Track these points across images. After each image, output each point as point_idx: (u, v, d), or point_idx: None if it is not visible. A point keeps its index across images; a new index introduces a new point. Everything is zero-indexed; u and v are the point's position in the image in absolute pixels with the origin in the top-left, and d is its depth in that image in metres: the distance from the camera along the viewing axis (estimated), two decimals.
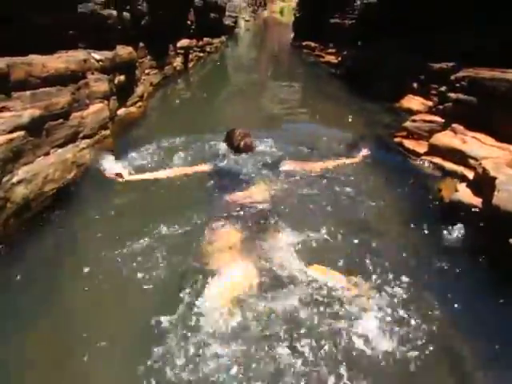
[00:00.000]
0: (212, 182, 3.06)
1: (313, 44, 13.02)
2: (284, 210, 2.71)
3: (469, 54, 4.48)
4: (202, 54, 10.80)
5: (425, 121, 3.90)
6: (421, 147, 3.69)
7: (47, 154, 2.92)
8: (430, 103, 5.10)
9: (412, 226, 2.66)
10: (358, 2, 9.62)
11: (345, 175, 3.24)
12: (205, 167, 3.25)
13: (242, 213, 2.62)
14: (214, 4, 11.92)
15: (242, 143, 3.37)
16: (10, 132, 2.51)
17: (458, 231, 2.49)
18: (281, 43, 18.58)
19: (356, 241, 2.40)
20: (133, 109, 4.92)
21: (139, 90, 5.33)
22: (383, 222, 2.77)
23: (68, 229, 2.70)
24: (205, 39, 11.21)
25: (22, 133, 2.59)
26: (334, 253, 2.29)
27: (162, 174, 3.28)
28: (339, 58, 9.37)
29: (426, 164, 3.46)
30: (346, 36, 9.85)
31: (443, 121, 3.76)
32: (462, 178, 3.01)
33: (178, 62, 8.26)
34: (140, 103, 5.24)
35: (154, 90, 6.49)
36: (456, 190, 2.79)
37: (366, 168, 3.64)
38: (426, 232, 2.55)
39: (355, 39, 9.01)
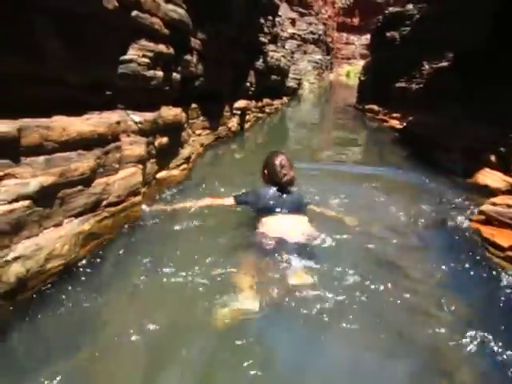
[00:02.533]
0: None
1: (376, 108, 12.63)
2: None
3: None
4: (260, 115, 10.70)
5: (509, 205, 3.19)
6: (504, 239, 2.97)
7: (59, 225, 2.58)
8: None
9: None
10: (427, 67, 9.14)
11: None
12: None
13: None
14: (276, 67, 11.99)
15: (286, 178, 3.26)
16: (11, 202, 2.19)
17: None
18: (345, 106, 18.37)
19: None
20: (175, 171, 4.62)
21: (186, 151, 5.07)
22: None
23: (71, 310, 2.30)
24: (264, 100, 11.17)
25: (25, 203, 2.26)
26: None
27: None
28: (404, 124, 8.82)
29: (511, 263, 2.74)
30: (412, 101, 9.36)
31: None
32: None
33: (233, 122, 8.11)
34: (185, 165, 4.96)
35: (204, 151, 6.26)
36: None
37: (433, 258, 3.04)
38: None
39: (422, 104, 8.49)
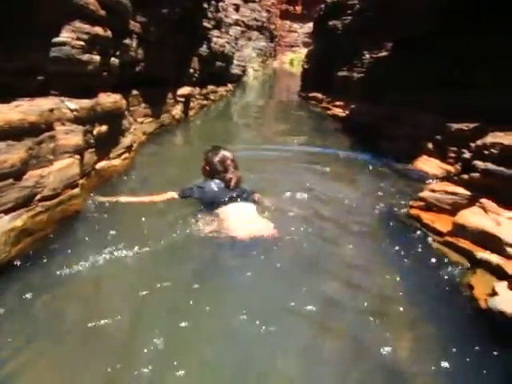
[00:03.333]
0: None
1: (320, 96, 12.80)
2: None
3: (493, 115, 4.02)
4: (205, 102, 10.52)
5: (447, 192, 3.32)
6: (443, 224, 3.10)
7: None
8: (448, 167, 4.57)
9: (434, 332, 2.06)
10: (367, 56, 9.35)
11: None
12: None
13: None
14: (220, 53, 11.79)
15: (233, 182, 3.23)
16: None
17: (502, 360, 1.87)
18: (288, 93, 18.49)
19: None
20: (116, 161, 4.41)
21: (127, 140, 4.85)
22: (395, 326, 2.16)
23: (4, 315, 2.10)
24: (209, 87, 10.99)
25: None
26: None
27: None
28: (347, 112, 9.00)
29: (450, 248, 2.85)
30: (354, 89, 9.55)
31: (469, 193, 3.19)
32: (499, 273, 2.41)
33: (177, 110, 7.89)
34: (126, 155, 4.75)
35: (147, 139, 6.04)
36: (494, 292, 2.18)
37: (373, 244, 3.11)
38: (456, 351, 1.92)
39: (364, 93, 8.68)
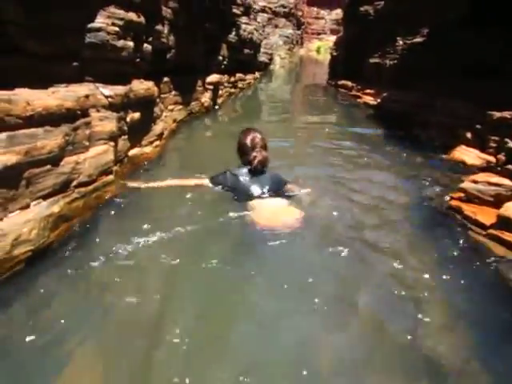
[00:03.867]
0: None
1: (350, 84, 12.54)
2: None
3: None
4: (233, 90, 10.45)
5: (489, 183, 3.17)
6: (486, 217, 2.96)
7: (25, 207, 2.40)
8: (489, 157, 4.39)
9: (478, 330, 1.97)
10: (401, 42, 9.07)
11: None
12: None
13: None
14: (248, 40, 11.67)
15: (257, 160, 3.20)
16: None
17: None
18: (316, 81, 18.21)
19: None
20: (148, 149, 4.42)
21: (158, 127, 4.85)
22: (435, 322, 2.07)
23: (42, 296, 2.14)
24: (237, 75, 10.89)
25: None
26: None
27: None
28: (378, 100, 8.77)
29: (495, 241, 2.72)
30: (386, 77, 9.30)
31: None
32: None
33: (206, 97, 7.86)
34: (157, 142, 4.76)
35: (177, 127, 6.03)
36: None
37: (412, 236, 3.00)
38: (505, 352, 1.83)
39: (396, 81, 8.45)
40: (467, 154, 4.66)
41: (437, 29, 7.11)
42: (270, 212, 2.98)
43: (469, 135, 4.86)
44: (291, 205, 3.14)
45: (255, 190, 3.15)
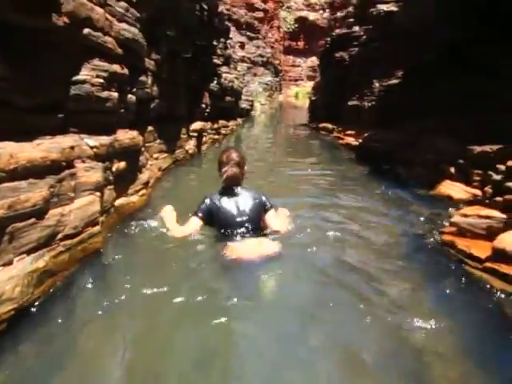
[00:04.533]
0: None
1: (330, 126, 12.83)
2: None
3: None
4: (217, 137, 10.57)
5: (480, 216, 3.19)
6: (480, 250, 2.94)
7: (8, 264, 2.29)
8: (475, 191, 4.44)
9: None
10: (377, 85, 9.39)
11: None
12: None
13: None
14: (229, 88, 11.95)
15: (225, 176, 3.26)
16: None
17: None
18: (296, 125, 18.58)
19: None
20: (134, 198, 4.36)
21: (144, 176, 4.81)
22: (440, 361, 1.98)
23: (26, 357, 2.01)
24: (220, 122, 11.06)
25: None
26: None
27: None
28: (360, 140, 8.95)
29: (492, 274, 2.69)
30: (366, 118, 9.56)
31: (505, 216, 3.05)
32: None
33: (190, 145, 7.91)
34: (144, 191, 4.70)
35: (162, 175, 6.01)
36: None
37: (407, 274, 2.94)
38: None
39: (376, 121, 8.67)
40: (452, 189, 4.71)
41: (412, 69, 7.39)
42: (248, 245, 2.98)
43: (452, 170, 4.94)
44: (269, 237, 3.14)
45: (231, 210, 3.16)
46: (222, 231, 3.16)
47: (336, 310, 2.39)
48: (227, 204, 3.19)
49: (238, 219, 3.14)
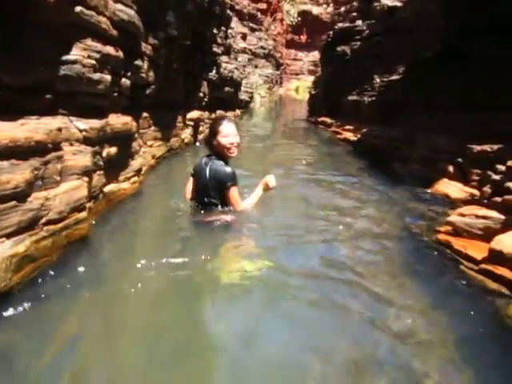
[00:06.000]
0: None
1: (329, 120, 12.73)
2: None
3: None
4: None
5: (477, 216, 3.10)
6: (476, 251, 2.87)
7: None
8: (473, 190, 4.36)
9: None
10: (378, 80, 9.28)
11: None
12: None
13: None
14: (229, 78, 11.80)
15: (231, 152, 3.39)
16: None
17: None
18: (295, 118, 18.47)
19: None
20: (125, 184, 4.25)
21: (136, 163, 4.71)
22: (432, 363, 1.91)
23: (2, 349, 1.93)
24: (218, 112, 10.93)
25: None
26: None
27: None
28: (358, 136, 8.86)
29: (488, 276, 2.61)
30: (365, 113, 9.45)
31: (503, 217, 2.97)
32: None
33: (186, 133, 7.79)
34: (135, 178, 4.59)
35: (156, 163, 5.90)
36: None
37: (401, 273, 2.87)
38: None
39: (375, 116, 8.57)
40: (450, 188, 4.63)
41: (413, 65, 7.29)
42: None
43: (450, 169, 4.85)
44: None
45: (200, 182, 3.36)
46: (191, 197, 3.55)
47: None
48: (199, 171, 3.37)
49: (198, 188, 3.41)
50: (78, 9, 3.13)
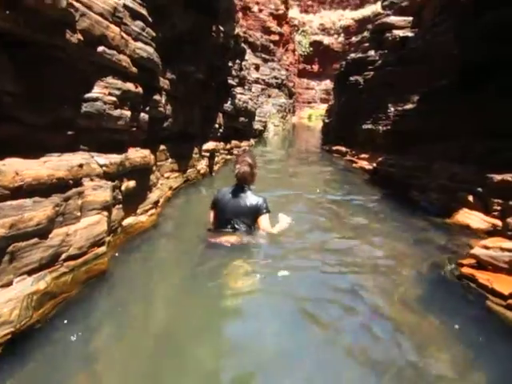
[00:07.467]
0: None
1: (344, 149, 12.73)
2: None
3: None
4: (229, 157, 10.52)
5: (503, 249, 3.02)
6: (503, 285, 2.77)
7: (7, 285, 2.20)
8: (494, 221, 4.27)
9: None
10: (392, 109, 9.31)
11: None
12: None
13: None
14: (243, 109, 11.97)
15: (237, 172, 3.67)
16: None
17: None
18: (309, 147, 18.53)
19: None
20: (143, 217, 4.27)
21: (154, 195, 4.74)
22: None
23: None
24: (233, 142, 11.03)
25: None
26: None
27: None
28: (374, 164, 8.82)
29: None
30: (380, 142, 9.45)
31: None
32: None
33: (202, 164, 7.86)
34: (153, 210, 4.62)
35: (172, 194, 5.93)
36: None
37: (424, 309, 2.79)
38: None
39: (390, 145, 8.56)
40: (471, 218, 4.54)
41: (427, 94, 7.30)
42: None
43: (470, 198, 4.77)
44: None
45: (230, 211, 3.57)
46: (215, 226, 3.69)
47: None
48: (227, 201, 3.61)
49: (228, 217, 3.57)
50: (101, 49, 3.23)
